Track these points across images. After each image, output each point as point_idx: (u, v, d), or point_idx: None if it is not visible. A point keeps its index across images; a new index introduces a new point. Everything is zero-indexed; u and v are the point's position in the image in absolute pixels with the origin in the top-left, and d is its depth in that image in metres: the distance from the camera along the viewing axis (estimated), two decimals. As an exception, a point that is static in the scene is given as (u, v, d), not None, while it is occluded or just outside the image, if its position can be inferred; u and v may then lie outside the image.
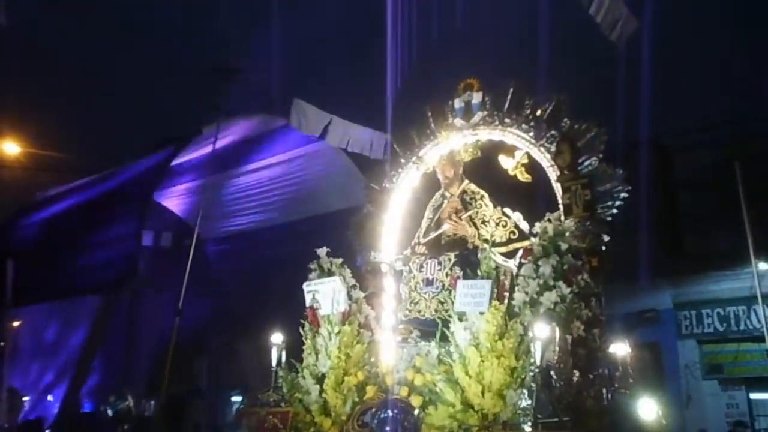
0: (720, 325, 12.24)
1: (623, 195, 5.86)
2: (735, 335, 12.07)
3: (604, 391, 5.04)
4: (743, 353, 12.01)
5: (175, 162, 11.44)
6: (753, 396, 12.18)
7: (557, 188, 6.08)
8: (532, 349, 4.65)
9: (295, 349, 6.17)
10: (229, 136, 10.98)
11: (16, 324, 12.56)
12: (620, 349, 5.83)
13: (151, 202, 12.01)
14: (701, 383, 12.49)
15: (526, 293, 5.16)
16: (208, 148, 10.78)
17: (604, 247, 5.74)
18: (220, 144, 10.66)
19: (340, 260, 6.32)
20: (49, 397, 13.15)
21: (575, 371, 4.86)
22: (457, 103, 6.83)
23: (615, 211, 5.86)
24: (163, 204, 13.00)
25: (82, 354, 12.55)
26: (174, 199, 13.13)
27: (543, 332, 4.67)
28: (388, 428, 4.91)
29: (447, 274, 5.93)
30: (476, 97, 6.74)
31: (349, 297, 6.12)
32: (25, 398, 12.63)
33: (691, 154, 13.31)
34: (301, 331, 6.13)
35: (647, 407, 5.23)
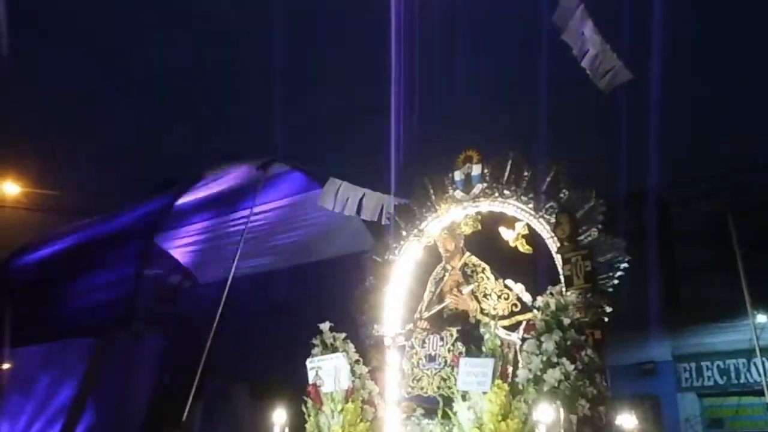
0: (720, 378, 12.14)
1: (624, 265, 5.87)
2: (736, 389, 11.97)
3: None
4: (744, 407, 11.86)
5: (175, 204, 11.43)
6: (755, 451, 11.98)
7: (558, 259, 6.10)
8: (536, 431, 4.59)
9: (298, 422, 6.11)
10: (229, 180, 11.03)
11: (6, 366, 12.37)
12: (627, 421, 5.77)
13: (152, 244, 11.94)
14: (703, 438, 12.32)
15: (530, 370, 5.12)
16: (209, 192, 10.83)
17: (606, 319, 5.72)
18: (220, 188, 10.73)
19: (344, 335, 6.31)
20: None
21: (582, 452, 4.79)
22: (457, 176, 6.88)
23: (616, 281, 5.85)
24: (161, 247, 12.98)
25: (74, 399, 12.36)
26: (171, 242, 13.12)
27: (547, 413, 4.62)
28: None
29: (449, 350, 5.90)
30: (476, 169, 6.79)
31: (353, 373, 6.08)
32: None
33: (688, 206, 13.38)
34: (303, 408, 6.08)
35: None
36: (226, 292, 9.41)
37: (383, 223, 8.12)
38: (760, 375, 10.11)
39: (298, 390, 6.20)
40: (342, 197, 8.31)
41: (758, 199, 12.18)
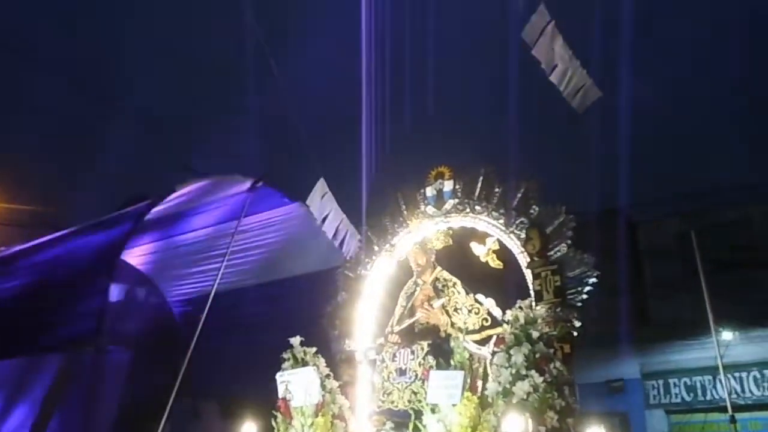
0: (687, 395, 12.28)
1: (592, 280, 5.95)
2: (702, 405, 12.10)
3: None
4: (710, 423, 12.00)
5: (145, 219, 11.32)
6: (721, 468, 12.10)
7: (528, 274, 6.16)
8: (505, 443, 4.62)
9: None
10: (198, 195, 10.96)
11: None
12: (596, 435, 5.81)
13: (120, 258, 11.75)
14: (670, 455, 12.43)
15: (499, 383, 5.15)
16: (181, 208, 10.74)
17: (575, 333, 5.79)
18: (193, 204, 10.65)
19: (314, 349, 6.30)
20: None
21: (550, 464, 4.81)
22: (429, 191, 6.94)
23: (585, 296, 5.93)
24: (129, 261, 12.80)
25: (34, 420, 12.06)
26: (140, 258, 12.97)
27: (516, 425, 4.65)
28: None
29: (420, 364, 5.92)
30: (447, 185, 6.85)
31: (323, 387, 6.06)
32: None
33: (655, 225, 13.59)
34: (273, 423, 6.04)
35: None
36: (206, 309, 9.33)
37: (348, 257, 8.15)
38: (725, 391, 10.26)
39: (268, 405, 6.17)
40: (325, 208, 8.34)
41: (724, 219, 12.44)
